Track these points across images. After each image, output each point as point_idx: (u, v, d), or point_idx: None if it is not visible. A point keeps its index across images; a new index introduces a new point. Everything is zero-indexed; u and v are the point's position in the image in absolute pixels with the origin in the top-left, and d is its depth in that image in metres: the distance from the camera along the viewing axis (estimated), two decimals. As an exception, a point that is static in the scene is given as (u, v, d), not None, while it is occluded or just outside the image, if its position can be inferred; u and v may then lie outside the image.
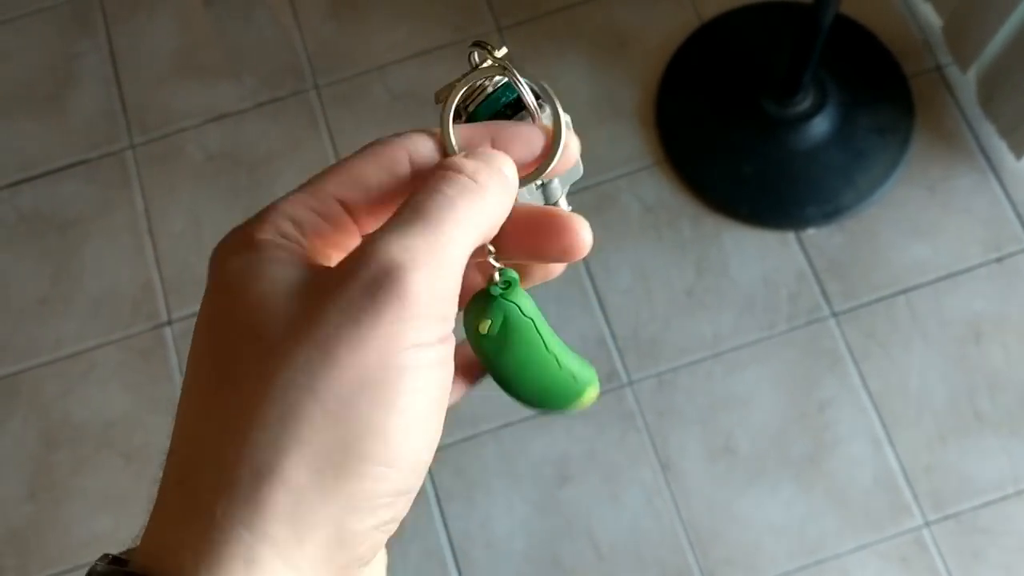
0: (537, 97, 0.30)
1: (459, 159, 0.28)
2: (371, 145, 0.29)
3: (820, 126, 1.24)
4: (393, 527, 0.27)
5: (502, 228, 0.29)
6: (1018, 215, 1.21)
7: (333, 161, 0.29)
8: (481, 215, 0.28)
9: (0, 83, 1.35)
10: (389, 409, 0.25)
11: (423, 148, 0.29)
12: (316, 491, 0.25)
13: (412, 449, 0.26)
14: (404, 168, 0.29)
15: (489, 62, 0.30)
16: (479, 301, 0.31)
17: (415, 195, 0.27)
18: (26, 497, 1.16)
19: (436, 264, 0.26)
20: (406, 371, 0.25)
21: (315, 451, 0.25)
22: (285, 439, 0.25)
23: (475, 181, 0.28)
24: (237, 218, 0.28)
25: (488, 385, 0.33)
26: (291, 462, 0.25)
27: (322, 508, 0.25)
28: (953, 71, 1.27)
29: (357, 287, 0.25)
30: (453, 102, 0.30)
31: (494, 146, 0.30)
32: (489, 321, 0.31)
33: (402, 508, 0.27)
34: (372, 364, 0.25)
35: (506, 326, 0.31)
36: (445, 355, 0.27)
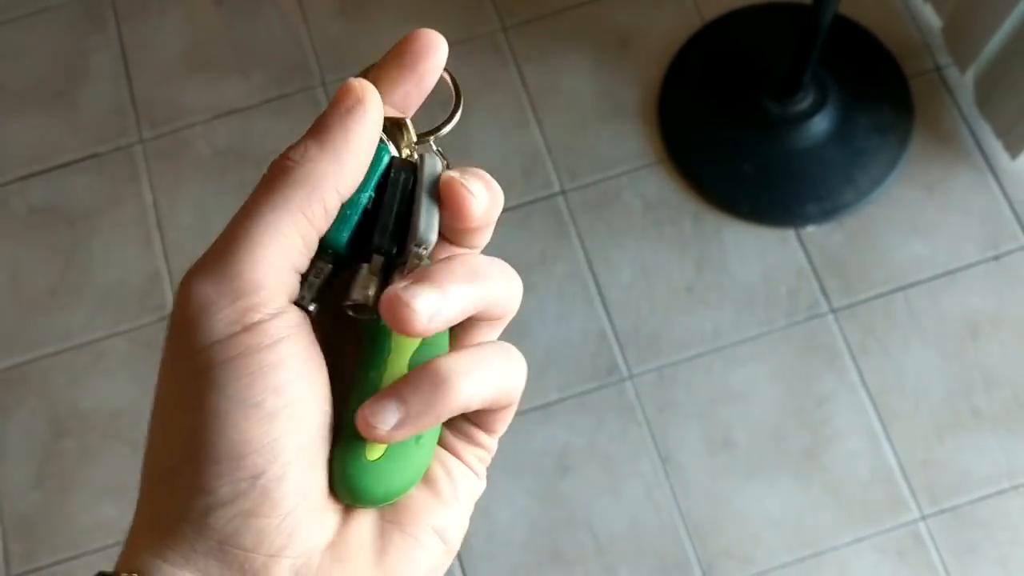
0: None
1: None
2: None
3: (820, 125, 1.25)
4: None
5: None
6: (1015, 214, 1.22)
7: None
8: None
9: (12, 78, 1.37)
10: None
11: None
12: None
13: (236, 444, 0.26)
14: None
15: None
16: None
17: None
18: (34, 484, 1.17)
19: (219, 261, 0.26)
20: (202, 374, 0.26)
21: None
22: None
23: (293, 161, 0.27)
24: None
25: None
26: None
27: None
28: (952, 72, 1.29)
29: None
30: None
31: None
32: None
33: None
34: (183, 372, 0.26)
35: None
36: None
